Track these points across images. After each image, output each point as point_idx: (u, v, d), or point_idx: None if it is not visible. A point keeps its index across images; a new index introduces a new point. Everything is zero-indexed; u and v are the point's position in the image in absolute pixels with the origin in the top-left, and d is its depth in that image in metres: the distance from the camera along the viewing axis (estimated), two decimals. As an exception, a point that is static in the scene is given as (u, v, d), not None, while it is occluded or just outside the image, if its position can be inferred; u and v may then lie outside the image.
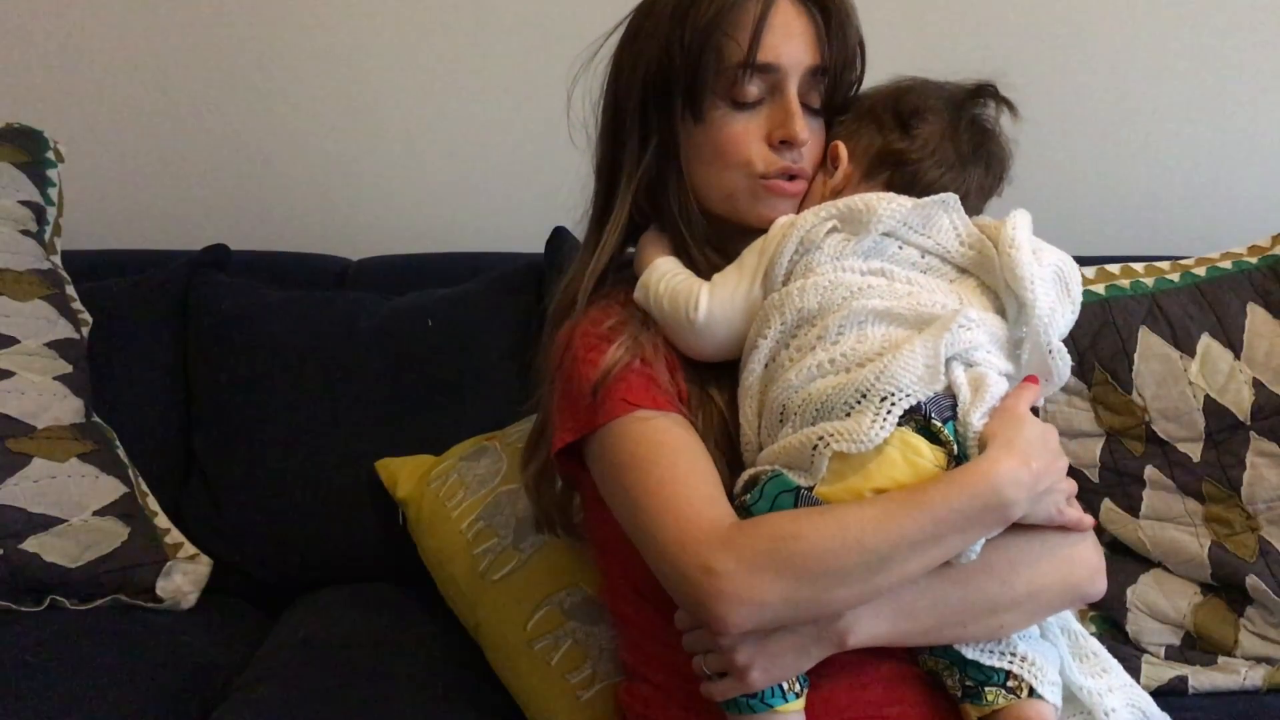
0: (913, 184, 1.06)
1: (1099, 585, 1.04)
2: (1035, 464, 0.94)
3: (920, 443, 0.94)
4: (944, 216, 1.04)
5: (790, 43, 1.07)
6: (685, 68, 1.06)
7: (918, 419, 0.95)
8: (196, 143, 1.93)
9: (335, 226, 1.94)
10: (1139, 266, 1.51)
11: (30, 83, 1.90)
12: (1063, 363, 1.02)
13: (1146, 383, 1.43)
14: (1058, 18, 1.85)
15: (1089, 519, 1.02)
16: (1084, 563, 1.03)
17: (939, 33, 1.85)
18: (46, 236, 1.63)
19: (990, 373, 0.99)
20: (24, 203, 1.61)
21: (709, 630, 0.96)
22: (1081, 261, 1.53)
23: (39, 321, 1.54)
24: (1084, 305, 1.45)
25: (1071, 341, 1.44)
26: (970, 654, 1.01)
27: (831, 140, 1.10)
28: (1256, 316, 1.44)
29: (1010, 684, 1.00)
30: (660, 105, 1.08)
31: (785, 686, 0.98)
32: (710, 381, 1.07)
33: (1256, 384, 1.42)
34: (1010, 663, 1.01)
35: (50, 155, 1.67)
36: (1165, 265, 1.51)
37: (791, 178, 1.08)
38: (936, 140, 1.07)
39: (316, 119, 1.92)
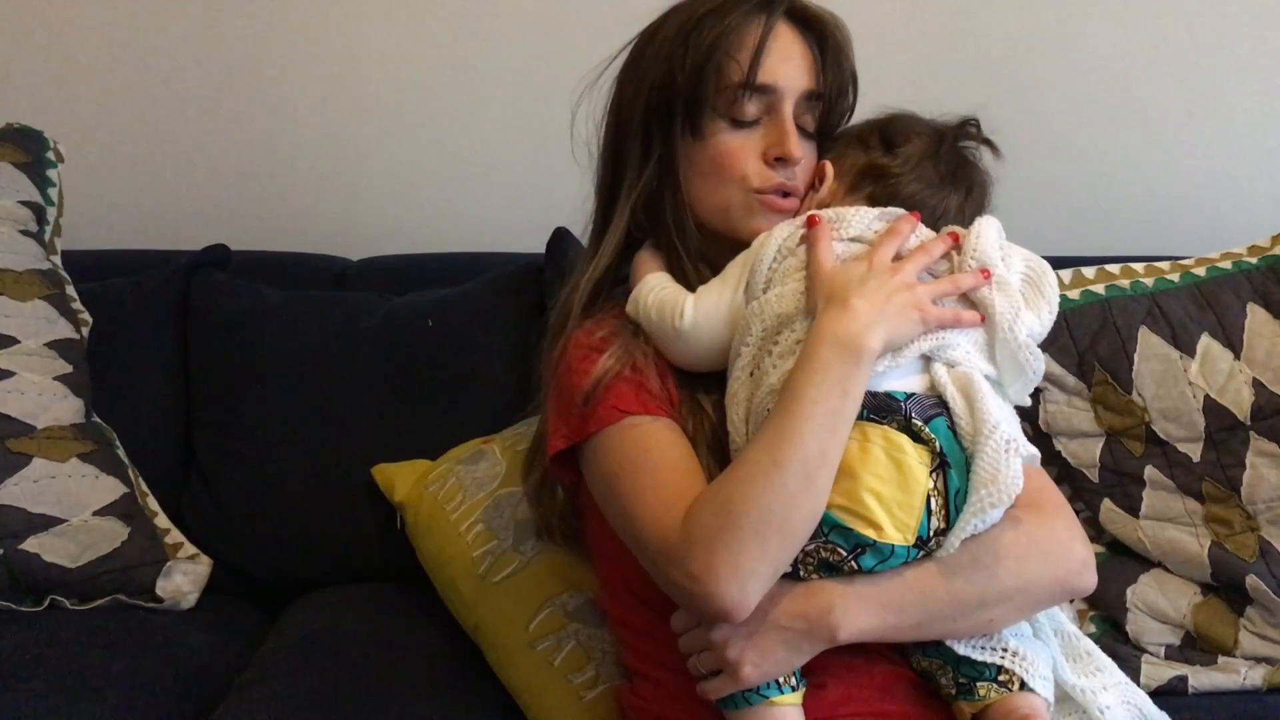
0: (893, 197, 1.09)
1: (1088, 579, 1.05)
2: (856, 300, 0.97)
3: (903, 440, 0.96)
4: None
5: (788, 66, 1.11)
6: (688, 86, 1.10)
7: (899, 419, 0.97)
8: (196, 143, 1.93)
9: (335, 226, 1.94)
10: (1139, 266, 1.51)
11: (30, 83, 1.90)
12: (1034, 359, 1.03)
13: (1146, 383, 1.43)
14: (1058, 18, 1.85)
15: (969, 314, 1.02)
16: (1072, 556, 1.04)
17: (940, 32, 1.85)
18: (46, 236, 1.63)
19: (975, 373, 1.00)
20: (24, 203, 1.61)
21: (708, 624, 0.99)
22: (1081, 262, 1.54)
23: (39, 321, 1.54)
24: (1084, 305, 1.47)
25: (1071, 341, 1.45)
26: (962, 650, 1.02)
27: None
28: (1256, 316, 1.44)
29: (1002, 678, 1.02)
30: (662, 122, 1.12)
31: (780, 680, 0.99)
32: (700, 389, 1.09)
33: (1256, 384, 1.42)
34: (1001, 658, 1.02)
35: (50, 155, 1.67)
36: (1165, 265, 1.51)
37: (785, 195, 1.11)
38: (918, 159, 1.10)
39: (317, 119, 1.92)
